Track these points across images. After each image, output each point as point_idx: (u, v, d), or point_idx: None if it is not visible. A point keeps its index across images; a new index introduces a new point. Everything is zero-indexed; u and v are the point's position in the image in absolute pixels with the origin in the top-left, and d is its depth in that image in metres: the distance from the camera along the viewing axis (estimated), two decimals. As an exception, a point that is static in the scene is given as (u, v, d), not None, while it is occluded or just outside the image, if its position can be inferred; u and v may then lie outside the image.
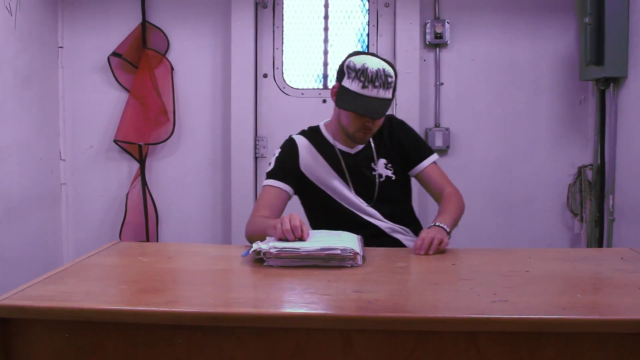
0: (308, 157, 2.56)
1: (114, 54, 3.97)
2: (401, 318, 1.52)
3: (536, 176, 4.03)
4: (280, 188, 2.50)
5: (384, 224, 2.56)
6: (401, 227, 2.60)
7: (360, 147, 2.59)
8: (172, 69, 4.01)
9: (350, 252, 1.95)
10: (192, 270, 2.03)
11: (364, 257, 2.02)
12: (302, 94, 4.09)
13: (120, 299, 1.69)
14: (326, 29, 4.09)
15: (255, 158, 4.06)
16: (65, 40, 4.06)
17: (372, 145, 2.59)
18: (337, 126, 2.56)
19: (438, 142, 3.97)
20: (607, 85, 3.62)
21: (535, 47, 3.98)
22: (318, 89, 4.09)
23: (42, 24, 3.85)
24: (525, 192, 4.04)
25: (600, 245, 3.71)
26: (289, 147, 2.59)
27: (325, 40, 4.09)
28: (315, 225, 2.60)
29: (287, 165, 2.55)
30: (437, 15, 3.98)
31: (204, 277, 1.96)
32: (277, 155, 2.58)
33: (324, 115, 4.10)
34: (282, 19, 4.08)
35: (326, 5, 4.08)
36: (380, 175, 2.57)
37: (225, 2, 3.99)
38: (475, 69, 4.01)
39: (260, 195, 2.53)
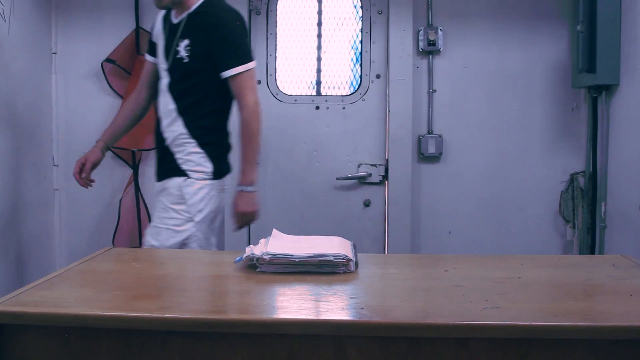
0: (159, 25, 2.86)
1: (108, 60, 3.96)
2: (393, 324, 1.53)
3: (529, 183, 4.04)
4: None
5: (168, 120, 2.73)
6: (186, 133, 2.75)
7: (181, 18, 2.71)
8: (166, 75, 4.00)
9: (343, 259, 1.95)
10: (185, 276, 2.04)
11: (356, 264, 2.02)
12: (296, 100, 4.09)
13: (113, 305, 1.69)
14: (319, 35, 4.09)
15: (249, 164, 4.04)
16: (59, 46, 4.05)
17: (184, 21, 2.70)
18: None
19: (431, 149, 3.98)
20: (600, 92, 3.64)
21: (527, 55, 3.99)
22: (311, 95, 4.10)
23: (36, 30, 3.85)
24: (517, 198, 4.05)
25: (592, 252, 3.72)
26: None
27: (319, 47, 4.10)
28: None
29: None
30: (430, 23, 4.00)
31: (197, 283, 1.96)
32: None
33: (317, 121, 4.15)
34: (276, 26, 4.09)
35: (319, 12, 4.09)
36: (177, 52, 2.68)
37: (219, 8, 3.99)
38: (468, 76, 4.03)
39: None
